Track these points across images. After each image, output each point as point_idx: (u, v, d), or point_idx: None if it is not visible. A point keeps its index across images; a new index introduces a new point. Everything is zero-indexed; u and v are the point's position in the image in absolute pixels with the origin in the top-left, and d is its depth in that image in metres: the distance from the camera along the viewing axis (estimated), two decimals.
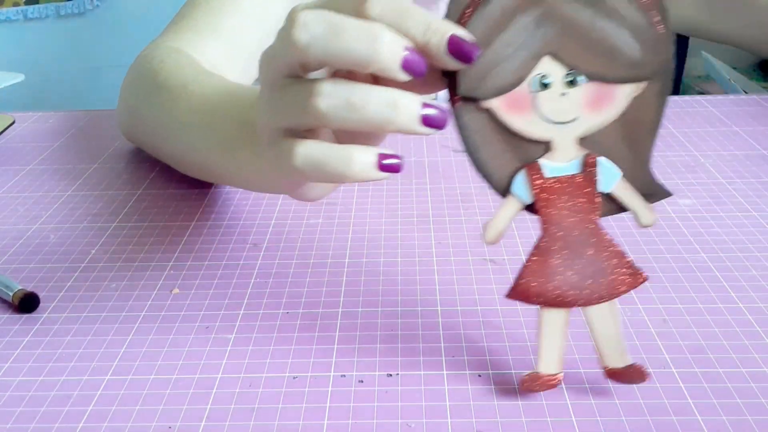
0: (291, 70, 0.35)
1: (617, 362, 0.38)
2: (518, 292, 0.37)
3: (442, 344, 0.43)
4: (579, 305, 0.37)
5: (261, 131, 0.39)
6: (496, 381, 0.40)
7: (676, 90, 1.09)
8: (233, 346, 0.43)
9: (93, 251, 0.54)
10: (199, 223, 0.57)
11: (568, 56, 0.35)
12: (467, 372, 0.41)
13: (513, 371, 0.40)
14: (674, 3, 0.85)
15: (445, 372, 0.41)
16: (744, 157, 0.64)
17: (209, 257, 0.53)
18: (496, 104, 0.35)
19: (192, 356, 0.43)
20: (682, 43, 1.07)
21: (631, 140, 0.36)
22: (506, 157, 0.36)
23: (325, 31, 0.33)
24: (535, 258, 0.37)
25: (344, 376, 0.41)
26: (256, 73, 0.76)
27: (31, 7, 1.51)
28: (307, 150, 0.35)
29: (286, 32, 0.34)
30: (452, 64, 0.34)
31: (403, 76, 0.33)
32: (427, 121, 0.33)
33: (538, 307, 0.37)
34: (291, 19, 0.33)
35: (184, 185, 0.63)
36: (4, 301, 0.48)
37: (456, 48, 0.33)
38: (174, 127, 0.57)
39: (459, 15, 0.34)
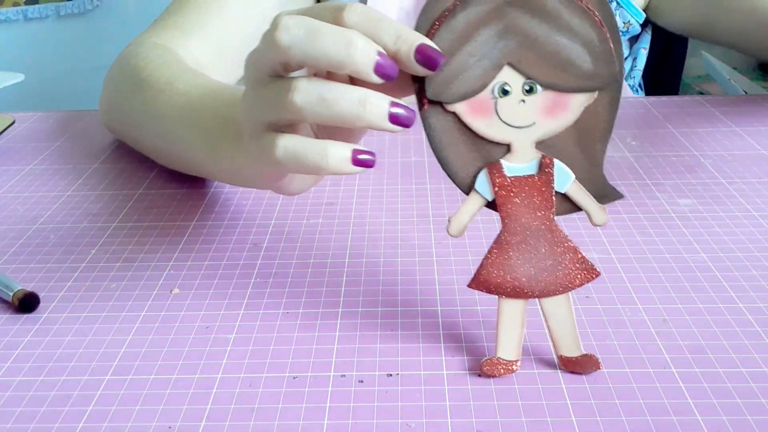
0: (273, 70, 0.38)
1: (572, 352, 0.40)
2: (479, 283, 0.40)
3: (442, 344, 0.43)
4: (535, 297, 0.40)
5: (245, 126, 0.42)
6: (495, 381, 0.40)
7: (676, 90, 1.09)
8: (233, 346, 0.43)
9: (93, 251, 0.54)
10: (199, 223, 0.57)
11: (527, 67, 0.38)
12: (467, 372, 0.41)
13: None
14: (673, 6, 0.85)
15: (445, 372, 0.41)
16: (744, 157, 0.64)
17: (209, 257, 0.53)
18: (460, 108, 0.38)
19: (192, 356, 0.43)
20: (682, 43, 1.07)
21: (584, 145, 0.39)
22: (470, 157, 0.39)
23: (305, 34, 0.36)
24: (495, 251, 0.40)
25: (344, 376, 0.41)
26: (240, 73, 0.77)
27: (31, 7, 1.51)
28: (287, 143, 0.38)
29: (270, 34, 0.37)
30: (420, 70, 0.37)
31: (376, 79, 0.36)
32: (395, 119, 0.37)
33: (497, 297, 0.40)
34: (275, 23, 0.36)
35: (185, 185, 0.63)
36: (4, 301, 0.48)
37: (423, 56, 0.36)
38: (157, 123, 0.58)
39: (428, 27, 0.38)
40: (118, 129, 0.69)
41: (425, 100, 0.39)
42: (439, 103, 0.38)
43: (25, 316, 0.47)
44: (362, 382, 0.40)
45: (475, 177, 0.39)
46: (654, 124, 0.72)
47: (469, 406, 0.38)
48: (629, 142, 0.69)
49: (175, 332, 0.45)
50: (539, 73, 0.38)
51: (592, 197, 0.39)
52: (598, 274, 0.39)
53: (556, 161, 0.39)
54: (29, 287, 0.49)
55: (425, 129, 0.39)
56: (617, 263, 0.50)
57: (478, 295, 0.47)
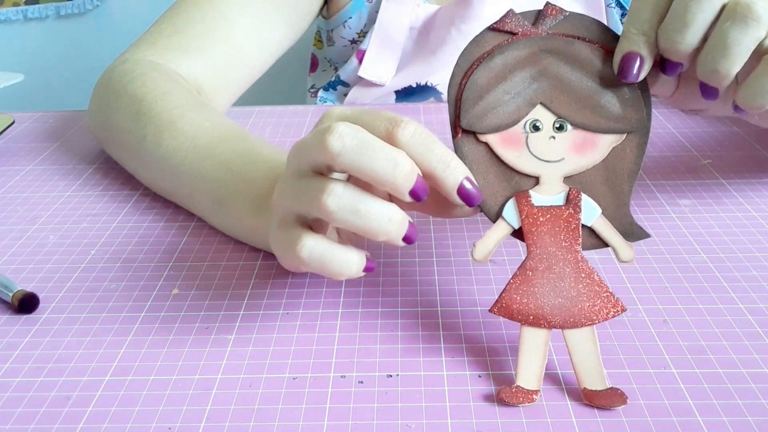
0: (316, 167, 0.39)
1: (596, 385, 0.38)
2: (501, 308, 0.40)
3: (442, 344, 0.43)
4: (557, 327, 0.39)
5: (275, 209, 0.42)
6: (496, 381, 0.40)
7: None
8: (233, 346, 0.43)
9: (93, 251, 0.54)
10: (199, 223, 0.57)
11: (558, 107, 0.40)
12: (467, 372, 0.41)
13: (512, 372, 0.40)
14: None
15: (445, 372, 0.41)
16: (744, 157, 0.64)
17: (209, 257, 0.53)
18: (492, 139, 0.41)
19: (192, 356, 0.43)
20: None
21: (611, 183, 0.40)
22: (499, 186, 0.41)
23: (357, 146, 0.37)
24: (519, 278, 0.40)
25: (344, 376, 0.41)
26: (235, 97, 0.76)
27: (31, 7, 1.51)
28: (314, 245, 0.38)
29: (322, 135, 0.37)
30: (457, 201, 0.39)
31: (408, 199, 0.38)
32: (407, 239, 0.39)
33: (519, 324, 0.40)
34: (329, 127, 0.37)
35: None
36: (4, 302, 0.48)
37: (464, 192, 0.39)
38: (158, 163, 0.58)
39: (468, 67, 0.41)
40: (108, 148, 0.67)
41: (459, 130, 0.41)
42: (473, 133, 0.41)
43: (25, 316, 0.47)
44: (362, 382, 0.40)
45: (503, 205, 0.40)
46: (654, 124, 0.72)
47: (469, 407, 0.38)
48: None
49: (175, 332, 0.45)
50: (570, 113, 0.40)
51: (618, 233, 0.40)
52: (623, 309, 0.39)
53: (583, 195, 0.40)
54: (29, 287, 0.49)
55: (458, 156, 0.40)
56: (617, 263, 0.50)
57: (478, 296, 0.47)
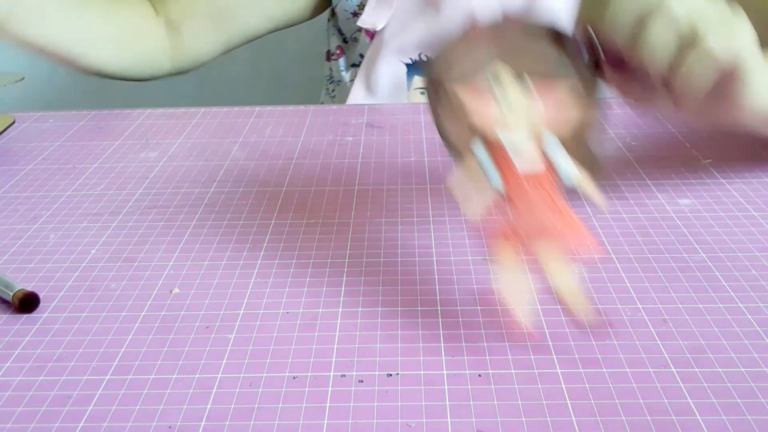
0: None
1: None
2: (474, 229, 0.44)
3: (442, 344, 0.43)
4: (527, 243, 0.41)
5: None
6: (496, 381, 0.40)
7: None
8: (233, 346, 0.43)
9: (93, 251, 0.54)
10: (199, 223, 0.57)
11: (515, 65, 0.44)
12: (467, 372, 0.41)
13: (513, 371, 0.40)
14: None
15: (445, 372, 0.41)
16: (744, 157, 0.64)
17: (209, 257, 0.53)
18: (459, 88, 0.44)
19: (192, 356, 0.43)
20: None
21: (578, 139, 0.43)
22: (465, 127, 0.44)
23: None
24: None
25: (344, 376, 0.41)
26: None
27: None
28: None
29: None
30: None
31: None
32: None
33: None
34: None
35: (185, 184, 0.63)
36: (4, 301, 0.48)
37: None
38: None
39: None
40: None
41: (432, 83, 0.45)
42: (441, 83, 0.44)
43: (25, 316, 0.47)
44: (362, 381, 0.40)
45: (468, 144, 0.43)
46: (654, 124, 0.72)
47: (469, 406, 0.38)
48: (629, 142, 0.69)
49: (175, 332, 0.45)
50: (523, 68, 0.44)
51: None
52: (595, 243, 0.41)
53: (558, 159, 0.42)
54: (29, 287, 0.49)
55: (429, 104, 0.45)
56: (617, 263, 0.50)
57: (478, 296, 0.47)
